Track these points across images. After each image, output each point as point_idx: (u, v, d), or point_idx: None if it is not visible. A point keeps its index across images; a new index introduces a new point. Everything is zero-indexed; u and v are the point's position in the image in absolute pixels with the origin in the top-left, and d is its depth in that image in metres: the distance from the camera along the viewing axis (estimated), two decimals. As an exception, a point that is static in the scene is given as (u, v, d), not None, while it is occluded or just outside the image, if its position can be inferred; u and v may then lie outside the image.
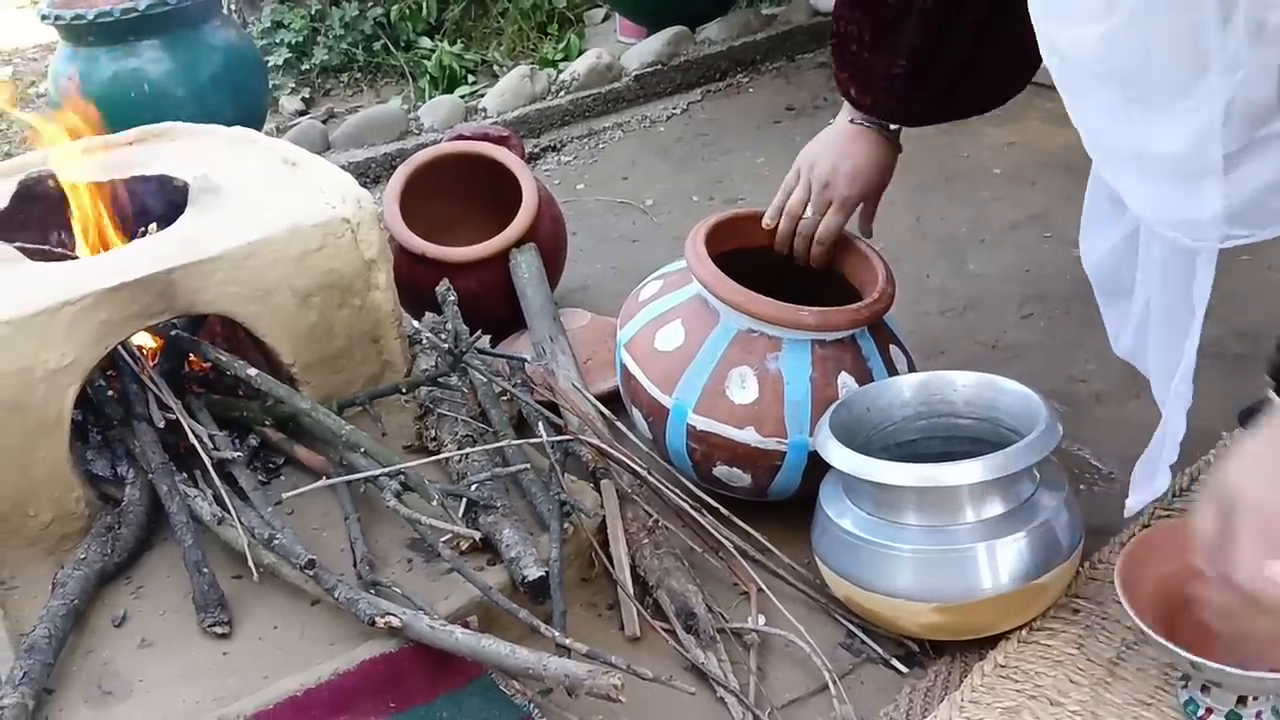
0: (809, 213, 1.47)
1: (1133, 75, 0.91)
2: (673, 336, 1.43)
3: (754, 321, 1.38)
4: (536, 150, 2.92)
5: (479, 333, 1.57)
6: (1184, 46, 0.87)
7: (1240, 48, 0.85)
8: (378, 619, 1.17)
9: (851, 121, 1.45)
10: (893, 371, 1.42)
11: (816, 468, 1.32)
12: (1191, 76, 0.88)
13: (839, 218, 1.47)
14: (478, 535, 1.30)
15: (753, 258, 1.50)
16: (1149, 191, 1.00)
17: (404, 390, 1.56)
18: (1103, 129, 1.01)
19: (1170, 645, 1.04)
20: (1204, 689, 1.10)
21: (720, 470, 1.42)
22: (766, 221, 1.51)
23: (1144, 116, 0.93)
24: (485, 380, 1.56)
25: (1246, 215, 0.94)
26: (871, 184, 1.47)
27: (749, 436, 1.37)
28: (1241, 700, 1.08)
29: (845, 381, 1.38)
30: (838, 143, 1.45)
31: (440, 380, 1.54)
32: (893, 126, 1.46)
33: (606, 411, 1.60)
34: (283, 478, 1.51)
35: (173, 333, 1.53)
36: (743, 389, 1.37)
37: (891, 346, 1.45)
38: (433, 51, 3.62)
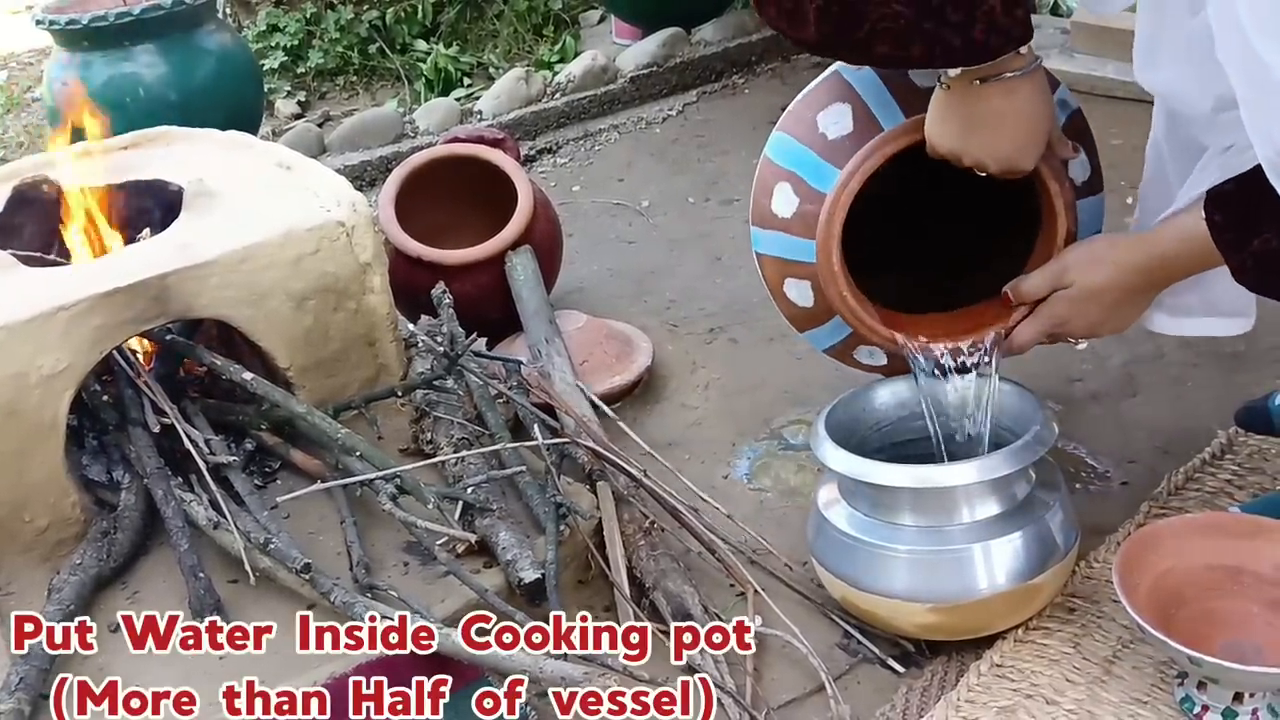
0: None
1: None
2: (802, 293, 1.36)
3: None
4: (532, 152, 2.92)
5: (475, 335, 1.57)
6: None
7: None
8: (374, 622, 1.17)
9: (983, 82, 1.08)
10: None
11: None
12: None
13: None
14: (474, 538, 1.31)
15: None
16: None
17: (400, 393, 1.56)
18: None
19: (1169, 641, 1.04)
20: (1200, 686, 1.10)
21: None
22: None
23: None
24: (481, 383, 1.56)
25: None
26: (1045, 139, 1.16)
27: (880, 373, 1.43)
28: (1238, 697, 1.08)
29: None
30: (983, 115, 1.11)
31: (436, 383, 1.54)
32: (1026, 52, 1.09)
33: (607, 409, 1.61)
34: (279, 482, 1.51)
35: (168, 337, 1.53)
36: (872, 358, 1.41)
37: None
38: (428, 54, 3.62)
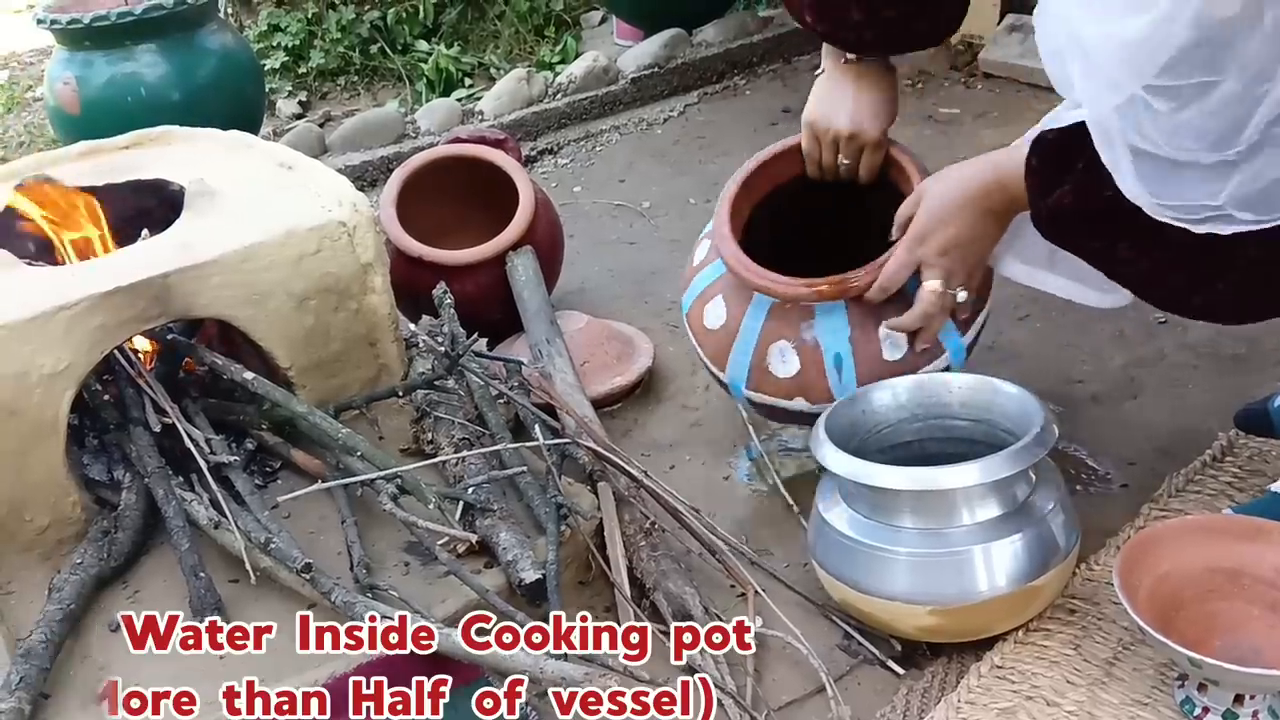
0: (844, 162, 1.44)
1: (1160, 70, 0.94)
2: (717, 313, 1.45)
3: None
4: (533, 153, 2.92)
5: (475, 336, 1.57)
6: (1212, 45, 0.91)
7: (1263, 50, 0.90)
8: (374, 622, 1.17)
9: (846, 61, 1.40)
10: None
11: None
12: (1215, 76, 0.92)
13: (876, 155, 1.44)
14: (474, 538, 1.31)
15: (800, 184, 1.49)
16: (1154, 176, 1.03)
17: (401, 393, 1.56)
18: (1107, 114, 1.02)
19: (1169, 643, 1.04)
20: (1201, 688, 1.10)
21: (792, 430, 1.50)
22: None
23: (1168, 112, 0.96)
24: (482, 383, 1.56)
25: (1254, 203, 0.98)
26: (890, 115, 1.43)
27: (800, 405, 1.41)
28: (1238, 699, 1.08)
29: (888, 333, 1.36)
30: (841, 91, 1.41)
31: (437, 383, 1.54)
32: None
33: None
34: (279, 481, 1.51)
35: (169, 337, 1.53)
36: (784, 363, 1.40)
37: None
38: (429, 54, 3.62)
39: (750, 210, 1.49)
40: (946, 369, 1.39)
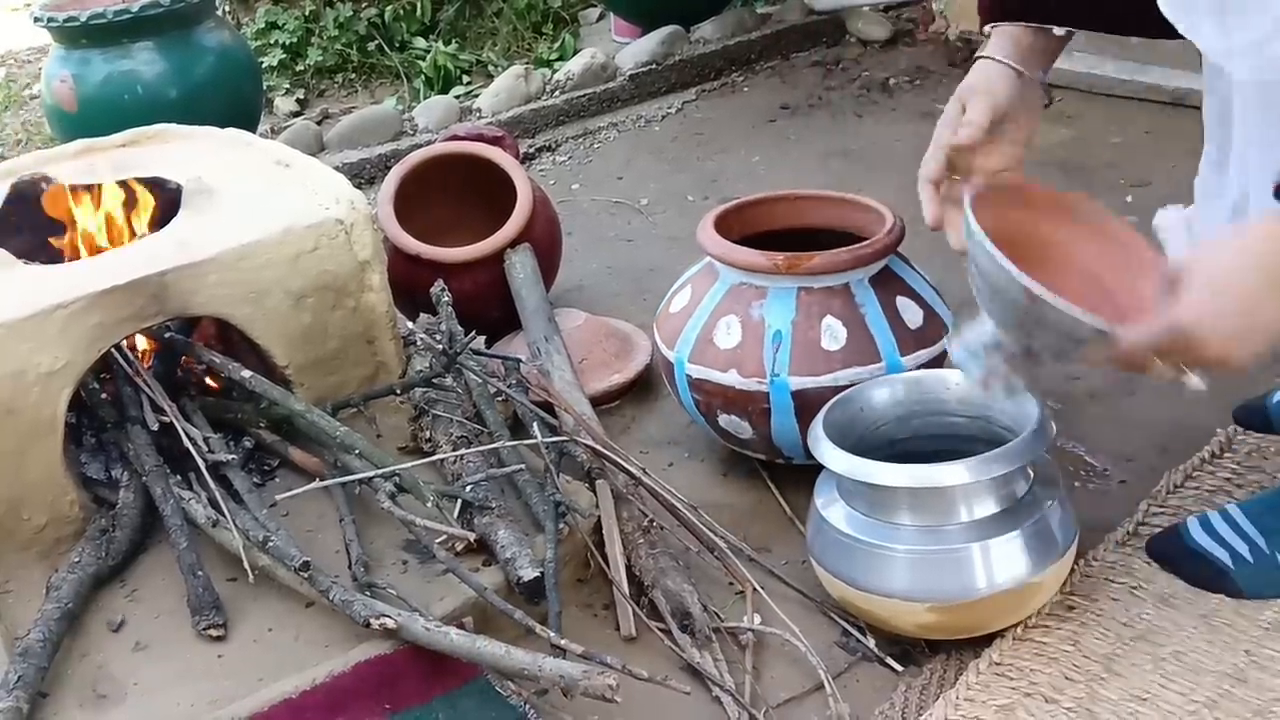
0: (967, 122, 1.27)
1: None
2: (682, 299, 1.54)
3: (743, 274, 1.46)
4: (531, 150, 2.92)
5: (474, 333, 1.57)
6: None
7: None
8: (373, 621, 1.17)
9: (1021, 75, 1.25)
10: (896, 321, 1.43)
11: (808, 414, 1.35)
12: None
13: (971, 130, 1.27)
14: (473, 536, 1.30)
15: (786, 241, 1.54)
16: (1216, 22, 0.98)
17: (399, 391, 1.56)
18: None
19: (1012, 269, 0.98)
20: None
21: (724, 420, 1.48)
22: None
23: None
24: (480, 381, 1.56)
25: None
26: (1006, 115, 1.26)
27: (732, 379, 1.43)
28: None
29: (830, 325, 1.41)
30: (978, 79, 1.28)
31: (435, 381, 1.54)
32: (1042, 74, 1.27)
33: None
34: (277, 480, 1.51)
35: (167, 335, 1.53)
36: (728, 334, 1.45)
37: (901, 298, 1.45)
38: (427, 52, 3.62)
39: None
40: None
